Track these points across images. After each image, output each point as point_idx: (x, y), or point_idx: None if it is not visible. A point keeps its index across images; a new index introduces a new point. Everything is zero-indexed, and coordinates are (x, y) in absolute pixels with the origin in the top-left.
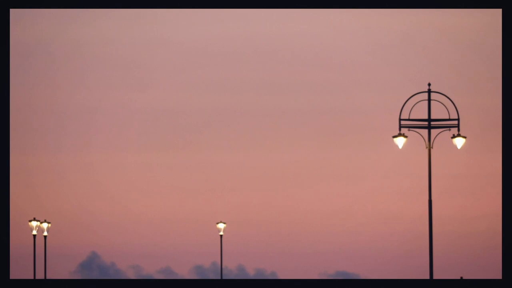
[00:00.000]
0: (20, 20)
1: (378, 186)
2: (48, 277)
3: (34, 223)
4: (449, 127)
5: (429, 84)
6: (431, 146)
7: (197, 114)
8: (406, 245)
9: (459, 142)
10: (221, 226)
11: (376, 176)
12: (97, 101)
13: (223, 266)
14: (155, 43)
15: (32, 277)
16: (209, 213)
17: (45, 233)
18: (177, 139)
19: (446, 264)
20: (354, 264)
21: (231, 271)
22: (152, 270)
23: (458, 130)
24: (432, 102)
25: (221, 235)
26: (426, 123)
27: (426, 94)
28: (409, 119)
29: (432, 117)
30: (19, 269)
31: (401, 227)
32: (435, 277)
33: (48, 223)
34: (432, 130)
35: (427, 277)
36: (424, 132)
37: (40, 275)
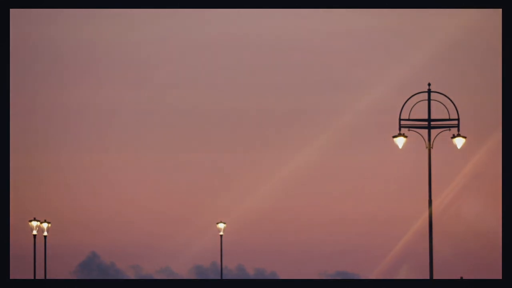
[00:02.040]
0: (20, 20)
1: (378, 186)
2: (48, 277)
3: (34, 223)
4: (449, 127)
5: (429, 84)
6: (431, 146)
7: (197, 114)
8: (406, 245)
9: (459, 142)
10: (221, 226)
11: (376, 176)
12: (97, 101)
13: (223, 266)
14: (156, 43)
15: (32, 277)
16: (209, 213)
17: (45, 233)
18: (177, 139)
19: (446, 264)
20: (354, 264)
21: (231, 271)
22: (152, 270)
23: (458, 130)
24: (432, 102)
25: (221, 235)
26: (426, 123)
27: (426, 94)
28: (409, 119)
29: (432, 117)
30: (19, 269)
31: (401, 227)
32: (435, 277)
33: (48, 223)
34: (432, 130)
35: (427, 277)
36: (424, 132)
37: (40, 275)
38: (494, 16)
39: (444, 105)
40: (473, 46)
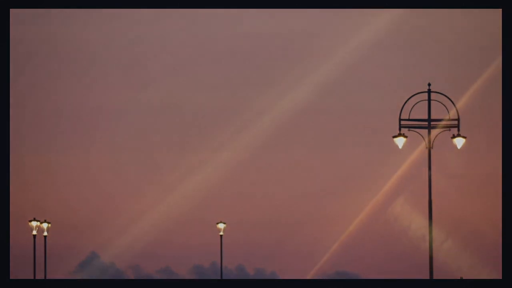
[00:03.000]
0: (20, 20)
1: (377, 186)
2: (48, 277)
3: (34, 223)
4: (449, 127)
5: (429, 84)
6: (431, 146)
7: (196, 114)
8: (406, 245)
9: (459, 142)
10: (221, 226)
11: (376, 176)
12: (97, 101)
13: (223, 266)
14: (153, 43)
15: (32, 277)
16: (209, 213)
17: (45, 233)
18: (176, 139)
19: (446, 264)
20: (354, 264)
21: (231, 271)
22: (152, 270)
23: (458, 130)
24: (432, 102)
25: (221, 235)
26: (426, 123)
27: (426, 94)
28: (409, 119)
29: (432, 117)
30: (19, 269)
31: (400, 227)
32: (435, 277)
33: (48, 223)
34: (432, 130)
35: (427, 277)
36: (424, 132)
37: (40, 275)
38: (494, 16)
39: (444, 105)
40: (473, 46)
